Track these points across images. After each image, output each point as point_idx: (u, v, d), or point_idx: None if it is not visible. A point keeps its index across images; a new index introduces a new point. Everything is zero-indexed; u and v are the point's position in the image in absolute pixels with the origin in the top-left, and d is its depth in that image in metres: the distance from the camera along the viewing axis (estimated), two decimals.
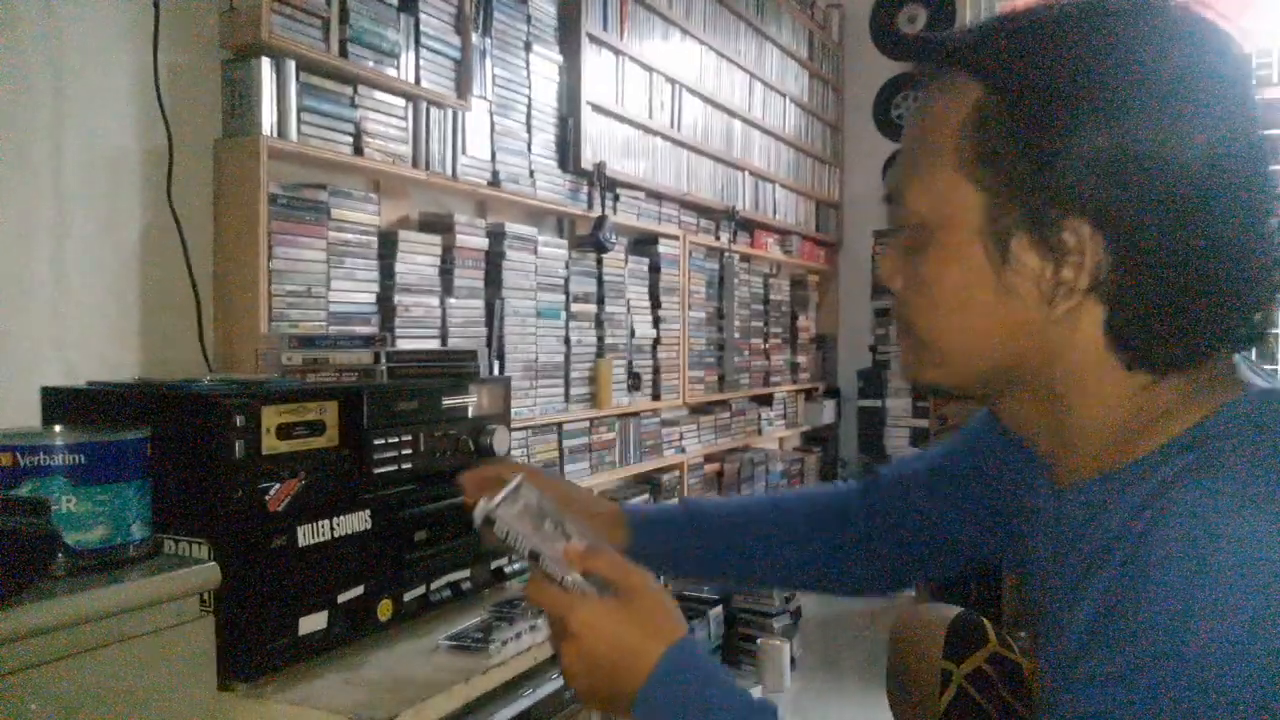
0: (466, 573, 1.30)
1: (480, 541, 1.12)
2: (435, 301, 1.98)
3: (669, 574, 1.11)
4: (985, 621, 1.13)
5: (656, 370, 2.88)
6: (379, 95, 1.85)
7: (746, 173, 3.56)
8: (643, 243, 2.92)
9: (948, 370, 0.73)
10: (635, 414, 2.76)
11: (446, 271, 2.02)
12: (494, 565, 1.37)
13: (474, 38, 2.07)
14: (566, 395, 2.43)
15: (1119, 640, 0.57)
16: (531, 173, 2.30)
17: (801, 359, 4.08)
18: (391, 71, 1.85)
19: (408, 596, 1.20)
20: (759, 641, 2.86)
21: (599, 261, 2.58)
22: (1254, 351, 0.72)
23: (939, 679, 1.08)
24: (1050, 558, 0.73)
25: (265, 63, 1.59)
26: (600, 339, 2.59)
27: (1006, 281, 0.66)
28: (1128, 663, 0.56)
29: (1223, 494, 0.57)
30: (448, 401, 1.33)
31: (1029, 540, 0.81)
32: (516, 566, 1.40)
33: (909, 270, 0.73)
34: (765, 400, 3.72)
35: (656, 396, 2.88)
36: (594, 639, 0.74)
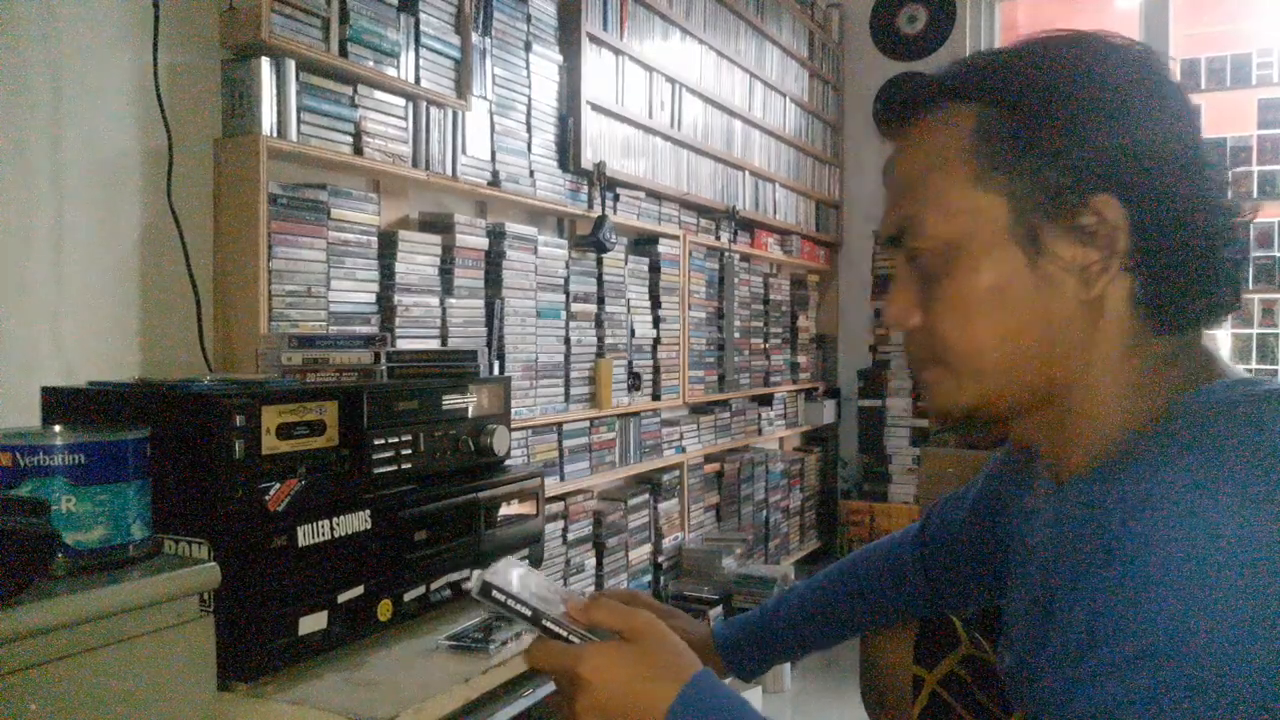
0: (466, 572, 1.30)
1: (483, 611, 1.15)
2: (435, 301, 1.98)
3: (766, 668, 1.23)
4: (956, 622, 1.11)
5: (656, 370, 2.88)
6: (379, 95, 1.85)
7: (747, 172, 3.56)
8: (643, 243, 2.92)
9: (983, 386, 0.74)
10: (635, 414, 2.76)
11: (446, 271, 2.02)
12: None
13: (474, 37, 2.07)
14: (566, 395, 2.43)
15: (1119, 637, 0.58)
16: (531, 173, 2.30)
17: (801, 359, 4.07)
18: (391, 71, 1.85)
19: (408, 596, 1.20)
20: None
21: (599, 261, 2.58)
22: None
23: (910, 686, 1.07)
24: (1049, 554, 0.74)
25: (265, 62, 1.59)
26: (600, 339, 2.59)
27: (1042, 273, 0.70)
28: (1128, 658, 0.56)
29: (1221, 494, 0.58)
30: (448, 401, 1.33)
31: (1023, 540, 0.84)
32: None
33: (934, 298, 0.74)
34: (765, 400, 3.72)
35: (656, 396, 2.87)
36: (606, 684, 0.73)
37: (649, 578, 2.88)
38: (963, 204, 0.72)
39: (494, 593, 0.75)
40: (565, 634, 0.76)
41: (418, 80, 1.93)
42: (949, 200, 0.73)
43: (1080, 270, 0.69)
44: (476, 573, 0.78)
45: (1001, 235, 0.71)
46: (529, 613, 0.76)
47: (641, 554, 2.82)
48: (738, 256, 3.45)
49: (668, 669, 0.74)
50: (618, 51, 2.69)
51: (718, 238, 3.35)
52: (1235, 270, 0.72)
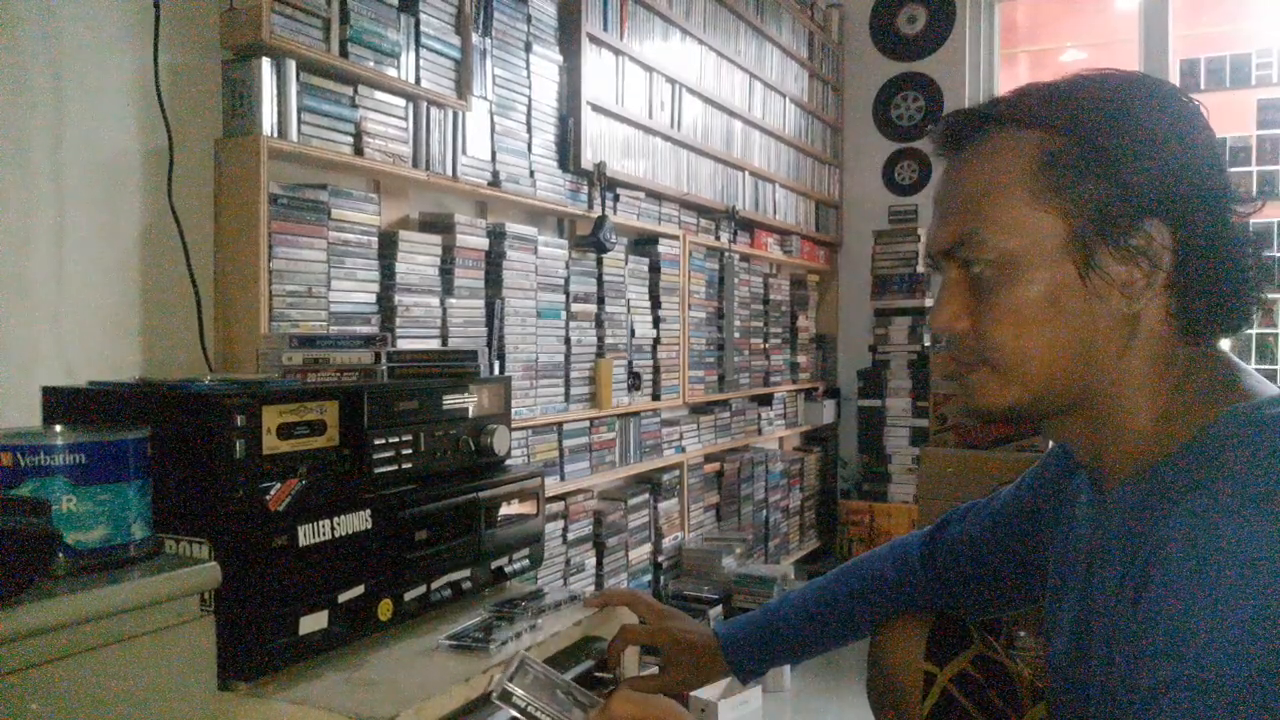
0: (467, 572, 1.30)
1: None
2: (435, 301, 1.98)
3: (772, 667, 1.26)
4: (968, 622, 1.12)
5: (656, 370, 2.88)
6: (379, 95, 1.85)
7: (746, 173, 3.56)
8: (643, 243, 2.92)
9: (1027, 388, 0.79)
10: (635, 414, 2.77)
11: (447, 271, 2.02)
12: (494, 565, 1.37)
13: (474, 38, 2.07)
14: (566, 395, 2.43)
15: (1173, 654, 0.62)
16: (532, 173, 2.30)
17: (801, 359, 4.07)
18: (392, 71, 1.85)
19: (408, 596, 1.20)
20: None
21: (599, 261, 2.58)
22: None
23: (921, 682, 1.08)
24: (1093, 559, 0.80)
25: (265, 63, 1.59)
26: (600, 339, 2.59)
27: (1093, 288, 0.75)
28: (1173, 677, 0.61)
29: (1220, 494, 0.59)
30: (448, 401, 1.33)
31: (1063, 546, 0.89)
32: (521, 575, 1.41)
33: (988, 306, 0.79)
34: (765, 400, 3.72)
35: (656, 396, 2.87)
36: None
37: (649, 577, 2.88)
38: (1023, 221, 0.76)
39: (515, 698, 0.82)
40: None
41: (418, 80, 1.93)
42: (1010, 217, 0.77)
43: (1125, 286, 0.75)
44: (496, 676, 0.82)
45: (1057, 251, 0.75)
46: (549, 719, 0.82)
47: (641, 554, 2.82)
48: (738, 256, 3.45)
49: None
50: (618, 52, 2.69)
51: (718, 238, 3.35)
52: (1258, 283, 0.77)
